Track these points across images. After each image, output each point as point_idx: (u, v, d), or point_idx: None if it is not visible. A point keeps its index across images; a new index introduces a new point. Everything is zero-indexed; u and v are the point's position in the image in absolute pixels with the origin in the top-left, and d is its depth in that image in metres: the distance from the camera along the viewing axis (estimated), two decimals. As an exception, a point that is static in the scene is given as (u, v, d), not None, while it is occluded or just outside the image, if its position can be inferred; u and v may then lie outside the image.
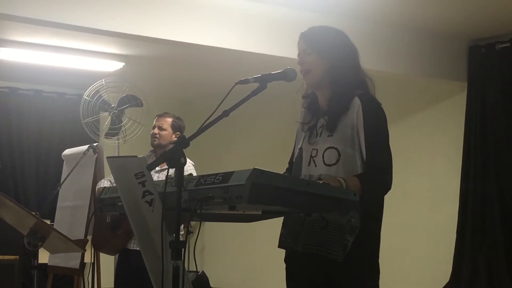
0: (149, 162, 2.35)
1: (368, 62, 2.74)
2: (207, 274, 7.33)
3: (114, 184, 4.14)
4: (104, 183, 4.70)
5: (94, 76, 6.08)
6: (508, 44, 5.64)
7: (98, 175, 5.22)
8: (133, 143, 5.74)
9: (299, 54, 2.70)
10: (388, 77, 5.63)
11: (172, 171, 2.26)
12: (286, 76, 2.53)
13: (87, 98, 5.64)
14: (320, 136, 2.65)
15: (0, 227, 4.53)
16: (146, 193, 2.44)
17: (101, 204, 2.77)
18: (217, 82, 7.27)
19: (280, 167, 2.81)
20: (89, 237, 4.94)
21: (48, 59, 6.37)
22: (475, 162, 5.77)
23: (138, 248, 4.10)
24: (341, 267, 2.47)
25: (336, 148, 2.57)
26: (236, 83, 2.45)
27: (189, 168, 4.50)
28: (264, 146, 7.95)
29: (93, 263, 5.11)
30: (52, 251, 4.32)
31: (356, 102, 2.58)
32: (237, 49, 5.01)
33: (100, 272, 5.47)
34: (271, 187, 2.11)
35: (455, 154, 5.95)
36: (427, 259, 6.18)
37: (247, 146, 8.23)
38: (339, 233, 2.47)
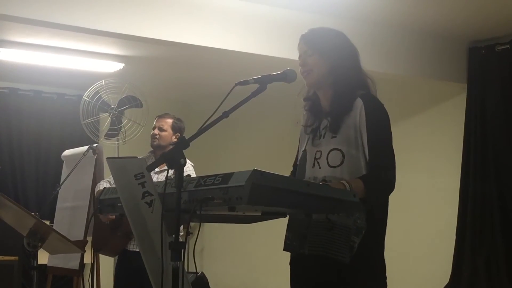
0: (148, 163, 2.35)
1: (368, 63, 2.74)
2: (207, 275, 7.32)
3: (114, 185, 4.15)
4: (104, 184, 4.70)
5: (94, 77, 6.08)
6: (508, 46, 5.64)
7: (97, 176, 5.22)
8: (133, 144, 5.74)
9: (300, 56, 2.70)
10: (388, 78, 5.63)
11: (172, 172, 2.26)
12: (286, 77, 2.53)
13: (87, 99, 5.64)
14: (323, 137, 2.65)
15: (-1, 228, 4.53)
16: (146, 194, 2.44)
17: (100, 205, 2.77)
18: (217, 83, 7.27)
19: (280, 168, 2.81)
20: (89, 238, 4.94)
21: (48, 60, 6.36)
22: (474, 163, 5.77)
23: (137, 250, 4.10)
24: (348, 268, 2.47)
25: (340, 150, 2.57)
26: (236, 84, 2.45)
27: (189, 169, 4.50)
28: (264, 147, 7.95)
29: (93, 264, 5.10)
30: (51, 252, 4.32)
31: (359, 102, 2.58)
32: (237, 50, 5.01)
33: (99, 273, 5.48)
34: (271, 188, 2.11)
35: (455, 155, 5.95)
36: (426, 260, 6.18)
37: (247, 147, 8.23)
38: (345, 234, 2.47)
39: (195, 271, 6.81)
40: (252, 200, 2.06)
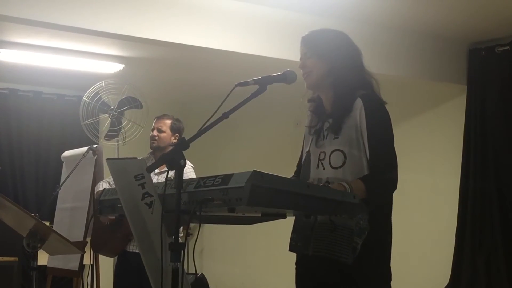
0: (148, 164, 2.35)
1: (368, 65, 2.74)
2: (206, 276, 7.31)
3: (113, 186, 4.14)
4: (103, 185, 4.69)
5: (94, 78, 6.07)
6: (508, 47, 5.64)
7: (97, 177, 5.21)
8: (132, 144, 5.74)
9: (300, 58, 2.70)
10: (389, 79, 5.63)
11: (171, 173, 2.26)
12: (286, 78, 2.53)
13: (86, 99, 5.64)
14: (326, 138, 2.66)
15: (-1, 229, 4.52)
16: (146, 195, 2.44)
17: (100, 206, 2.77)
18: (217, 84, 7.27)
19: (280, 169, 2.81)
20: (89, 239, 4.94)
21: (48, 61, 6.36)
22: (474, 163, 5.78)
23: (137, 250, 4.10)
24: (352, 269, 2.48)
25: (342, 151, 2.57)
26: (236, 85, 2.45)
27: (189, 170, 4.49)
28: (263, 148, 7.94)
29: (92, 265, 5.10)
30: (51, 252, 4.31)
31: (359, 103, 2.58)
32: (237, 51, 5.01)
33: (99, 274, 5.47)
34: (271, 189, 2.11)
35: (455, 156, 5.95)
36: (426, 260, 6.19)
37: (247, 148, 8.23)
38: (348, 235, 2.47)
39: (194, 272, 6.81)
40: (252, 201, 2.06)
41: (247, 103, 2.43)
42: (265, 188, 2.09)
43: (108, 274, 5.62)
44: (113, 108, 5.63)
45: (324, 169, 2.62)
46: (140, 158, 3.86)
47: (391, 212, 2.65)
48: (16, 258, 5.89)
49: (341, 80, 2.63)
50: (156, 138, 4.56)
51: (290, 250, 2.75)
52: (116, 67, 6.64)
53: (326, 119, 2.69)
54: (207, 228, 8.10)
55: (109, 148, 5.79)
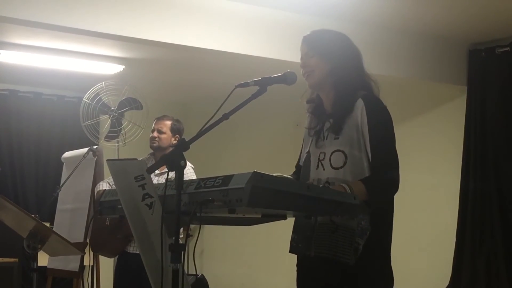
0: (148, 165, 2.35)
1: (369, 66, 2.75)
2: (207, 277, 7.31)
3: (113, 186, 4.15)
4: (103, 185, 4.70)
5: (94, 79, 6.07)
6: (508, 48, 5.64)
7: (97, 178, 5.21)
8: (133, 146, 5.74)
9: (301, 58, 2.70)
10: (389, 80, 5.63)
11: (172, 174, 2.26)
12: (286, 79, 2.53)
13: (87, 100, 5.64)
14: (326, 139, 2.66)
15: (-1, 230, 4.53)
16: (146, 196, 2.44)
17: (101, 207, 2.77)
18: (217, 85, 7.26)
19: (280, 170, 2.81)
20: (89, 240, 4.94)
21: (48, 62, 6.36)
22: (475, 164, 5.77)
23: (137, 252, 4.10)
24: (354, 270, 2.48)
25: (342, 151, 2.57)
26: (236, 86, 2.46)
27: (189, 171, 4.50)
28: (264, 149, 7.95)
29: (93, 266, 5.10)
30: (51, 253, 4.32)
31: (360, 103, 2.58)
32: (237, 52, 5.01)
33: (99, 275, 5.47)
34: (271, 190, 2.11)
35: (455, 157, 5.95)
36: (427, 261, 6.18)
37: (247, 149, 8.23)
38: (350, 236, 2.47)
39: (195, 273, 6.81)
40: (252, 202, 2.06)
41: (247, 104, 2.43)
42: (265, 189, 2.09)
43: (108, 275, 5.62)
44: (113, 109, 5.63)
45: (324, 169, 2.62)
46: (140, 159, 3.87)
47: (392, 212, 2.64)
48: (16, 259, 5.89)
49: (343, 80, 2.63)
50: (157, 139, 4.56)
51: (290, 251, 2.74)
52: (116, 68, 6.65)
53: (327, 119, 2.69)
54: (208, 229, 8.09)
55: (109, 149, 5.79)
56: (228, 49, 4.97)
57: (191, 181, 2.34)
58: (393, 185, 2.55)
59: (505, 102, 5.66)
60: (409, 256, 6.11)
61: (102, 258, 5.35)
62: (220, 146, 8.40)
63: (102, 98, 5.66)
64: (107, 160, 2.60)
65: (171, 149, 4.41)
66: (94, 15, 4.47)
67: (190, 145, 2.28)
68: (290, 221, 2.71)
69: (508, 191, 5.58)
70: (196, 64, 6.69)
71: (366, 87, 2.67)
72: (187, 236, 2.38)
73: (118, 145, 5.73)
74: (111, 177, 3.92)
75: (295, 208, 2.26)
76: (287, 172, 2.84)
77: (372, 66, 2.77)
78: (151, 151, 4.67)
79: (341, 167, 2.56)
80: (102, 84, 5.67)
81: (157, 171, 4.36)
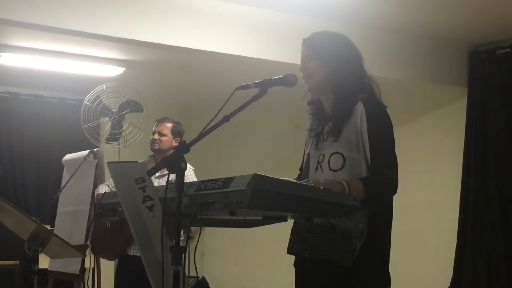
0: (149, 167, 2.35)
1: (369, 68, 2.74)
2: (208, 279, 7.31)
3: (113, 189, 4.15)
4: (102, 188, 4.70)
5: (94, 81, 6.08)
6: (509, 50, 5.64)
7: (98, 181, 5.22)
8: (133, 148, 5.74)
9: (301, 60, 2.70)
10: (389, 82, 5.63)
11: (172, 176, 2.26)
12: (287, 81, 2.53)
13: (87, 103, 5.64)
14: (326, 141, 2.66)
15: (0, 232, 4.52)
16: (147, 199, 2.43)
17: (101, 209, 2.77)
18: (217, 88, 7.26)
19: (281, 172, 2.81)
20: (89, 242, 4.94)
21: (48, 64, 6.36)
22: (475, 166, 5.77)
23: (138, 254, 4.10)
24: (350, 272, 2.47)
25: (341, 154, 2.57)
26: (237, 89, 2.45)
27: (190, 173, 4.50)
28: (264, 151, 7.95)
29: (93, 268, 5.10)
30: (52, 256, 4.31)
31: (360, 106, 2.58)
32: (237, 55, 5.00)
33: (100, 277, 5.47)
34: (272, 192, 2.11)
35: (456, 158, 5.95)
36: (427, 263, 6.18)
37: (248, 151, 8.23)
38: (347, 238, 2.47)
39: (196, 275, 6.81)
40: (253, 204, 2.05)
41: (248, 106, 2.43)
42: (266, 191, 2.09)
43: (109, 278, 5.62)
44: (114, 112, 5.64)
45: (322, 171, 2.62)
46: (141, 161, 3.87)
47: (391, 215, 2.63)
48: (17, 262, 5.89)
49: (342, 83, 2.63)
50: (158, 141, 4.56)
51: (288, 252, 2.74)
52: (116, 71, 6.64)
53: (327, 122, 2.69)
54: (208, 231, 8.09)
55: (110, 152, 5.79)
56: (229, 51, 4.97)
57: (192, 183, 2.34)
58: (391, 186, 2.54)
59: (505, 103, 5.66)
60: (410, 257, 6.11)
61: (102, 261, 5.35)
62: (220, 148, 8.40)
63: (103, 100, 5.67)
64: (108, 163, 2.60)
65: (171, 151, 4.42)
66: (94, 17, 4.47)
67: (191, 147, 2.28)
68: (291, 222, 2.71)
69: (509, 192, 5.58)
70: (196, 66, 6.69)
71: (366, 89, 2.66)
72: (188, 238, 2.37)
73: (118, 148, 5.73)
74: (111, 179, 3.92)
75: (296, 210, 2.26)
76: (289, 175, 2.84)
77: (373, 68, 2.76)
78: (152, 153, 4.67)
79: (340, 169, 2.56)
80: (103, 86, 5.68)
81: (157, 174, 4.36)
